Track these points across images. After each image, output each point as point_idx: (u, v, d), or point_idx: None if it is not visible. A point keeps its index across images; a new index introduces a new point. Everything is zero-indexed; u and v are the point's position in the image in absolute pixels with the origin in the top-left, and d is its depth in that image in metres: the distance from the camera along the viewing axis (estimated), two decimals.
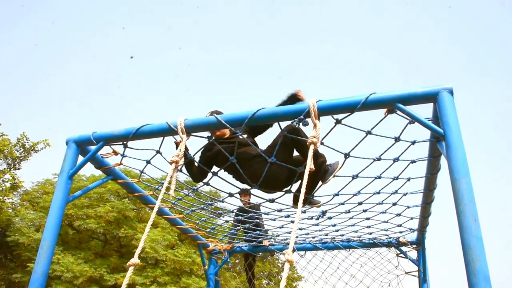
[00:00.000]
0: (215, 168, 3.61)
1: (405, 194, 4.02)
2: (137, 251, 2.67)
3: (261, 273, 23.52)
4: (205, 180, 3.69)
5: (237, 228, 6.17)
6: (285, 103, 3.36)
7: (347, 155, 3.19)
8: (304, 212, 4.17)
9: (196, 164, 3.58)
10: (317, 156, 3.25)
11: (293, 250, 6.17)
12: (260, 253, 7.23)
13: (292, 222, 4.69)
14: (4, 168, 15.61)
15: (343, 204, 4.02)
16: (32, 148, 16.11)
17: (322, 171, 3.31)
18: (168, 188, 3.14)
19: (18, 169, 16.08)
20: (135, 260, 2.64)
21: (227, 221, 6.20)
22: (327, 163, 3.41)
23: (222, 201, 4.86)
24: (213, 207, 5.14)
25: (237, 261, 21.91)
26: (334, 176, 3.33)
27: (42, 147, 16.29)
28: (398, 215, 4.59)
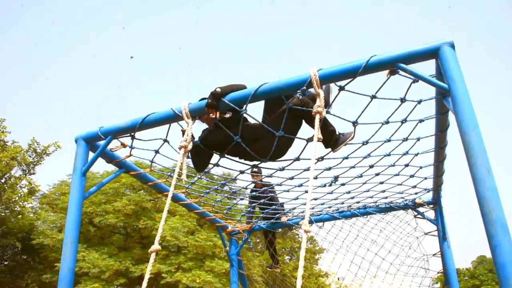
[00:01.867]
0: (216, 156, 3.61)
1: (416, 155, 4.02)
2: (157, 238, 2.72)
3: (283, 250, 23.76)
4: (208, 169, 3.76)
5: (253, 204, 6.22)
6: None
7: (355, 123, 3.18)
8: (316, 178, 4.16)
9: (197, 154, 3.56)
10: (327, 125, 3.24)
11: (310, 222, 6.25)
12: (279, 229, 7.30)
13: (306, 192, 4.71)
14: (20, 175, 15.82)
15: (354, 167, 4.02)
16: (44, 152, 16.27)
17: (334, 140, 3.30)
18: (180, 174, 3.17)
19: (33, 174, 16.29)
20: (155, 246, 2.69)
21: (242, 199, 6.23)
22: (341, 132, 3.39)
23: (235, 179, 4.89)
24: (227, 187, 5.16)
25: (257, 240, 22.17)
26: (345, 145, 3.32)
27: (53, 150, 16.44)
28: (412, 176, 4.58)
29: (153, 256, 2.67)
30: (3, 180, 14.86)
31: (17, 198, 14.83)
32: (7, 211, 14.97)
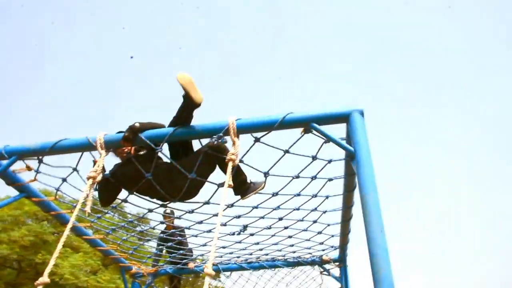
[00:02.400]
0: (125, 192, 3.51)
1: (324, 212, 4.20)
2: (47, 269, 2.53)
3: None
4: (115, 204, 3.68)
5: (161, 247, 6.02)
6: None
7: (266, 174, 3.30)
8: (224, 225, 4.16)
9: (105, 187, 3.45)
10: (239, 173, 3.31)
11: (218, 270, 6.17)
12: (184, 277, 7.08)
13: (212, 232, 4.67)
14: None
15: (263, 218, 4.10)
16: None
17: (244, 188, 3.36)
18: (83, 205, 3.04)
19: None
20: (44, 279, 2.50)
21: (149, 240, 6.02)
22: (252, 180, 3.47)
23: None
24: (134, 224, 4.99)
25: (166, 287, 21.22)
26: (255, 193, 3.40)
27: None
28: (320, 233, 4.75)
29: None
30: None
31: None
32: None
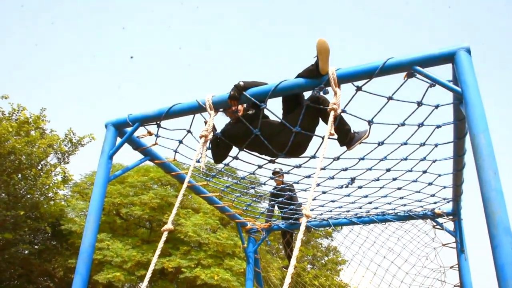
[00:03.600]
0: (235, 149, 3.74)
1: (434, 161, 4.03)
2: (170, 218, 2.89)
3: (305, 258, 23.62)
4: (226, 162, 3.93)
5: (272, 203, 6.32)
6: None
7: (370, 122, 3.25)
8: (332, 178, 4.23)
9: (217, 145, 3.72)
10: (342, 124, 3.32)
11: (328, 225, 6.30)
12: (296, 231, 7.35)
13: (324, 192, 4.78)
14: (55, 163, 16.46)
15: (370, 170, 4.07)
16: (79, 142, 16.88)
17: (349, 138, 3.38)
18: (198, 165, 3.34)
19: (67, 163, 16.91)
20: (168, 226, 2.87)
21: (261, 195, 6.35)
22: (356, 131, 3.47)
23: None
24: (246, 182, 5.30)
25: (280, 246, 22.15)
26: (360, 143, 3.39)
27: (88, 141, 17.04)
28: (430, 184, 4.58)
29: (165, 234, 2.84)
30: (39, 167, 15.52)
31: (51, 184, 15.44)
32: (41, 197, 15.61)
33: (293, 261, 2.04)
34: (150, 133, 4.08)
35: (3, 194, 14.46)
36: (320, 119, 3.39)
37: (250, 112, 3.67)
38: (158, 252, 2.79)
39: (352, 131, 3.39)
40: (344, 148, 3.47)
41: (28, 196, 15.06)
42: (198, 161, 3.34)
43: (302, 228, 2.20)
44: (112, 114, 4.34)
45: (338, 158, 3.73)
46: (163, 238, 2.84)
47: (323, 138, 3.35)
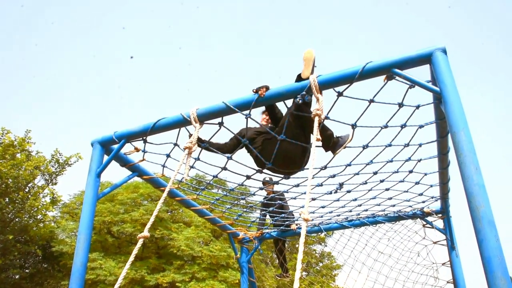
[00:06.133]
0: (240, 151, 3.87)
1: (419, 160, 4.09)
2: (147, 225, 2.87)
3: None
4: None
5: (263, 212, 6.34)
6: None
7: (354, 126, 3.30)
8: (321, 185, 4.28)
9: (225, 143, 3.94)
10: (325, 129, 3.38)
11: (320, 231, 6.33)
12: (288, 239, 7.36)
13: (313, 199, 4.82)
14: (43, 184, 16.29)
15: (358, 174, 4.12)
16: (66, 162, 16.73)
17: (332, 143, 3.43)
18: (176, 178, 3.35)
19: (55, 184, 16.74)
20: (145, 233, 2.87)
21: (251, 206, 6.36)
22: (339, 135, 3.53)
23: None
24: (236, 193, 5.33)
25: (274, 255, 22.09)
26: (344, 147, 3.44)
27: (74, 160, 16.89)
28: (417, 183, 4.64)
29: (140, 241, 2.83)
30: (26, 190, 15.33)
31: (39, 206, 15.25)
32: (30, 220, 15.40)
33: (299, 265, 2.06)
34: (137, 149, 4.08)
35: None
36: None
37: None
38: (131, 258, 2.78)
39: (335, 136, 3.44)
40: (330, 155, 3.52)
41: (17, 219, 14.87)
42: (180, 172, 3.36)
43: (303, 232, 2.24)
44: (98, 132, 4.33)
45: (325, 167, 3.78)
46: (138, 245, 2.83)
47: (310, 145, 3.42)
